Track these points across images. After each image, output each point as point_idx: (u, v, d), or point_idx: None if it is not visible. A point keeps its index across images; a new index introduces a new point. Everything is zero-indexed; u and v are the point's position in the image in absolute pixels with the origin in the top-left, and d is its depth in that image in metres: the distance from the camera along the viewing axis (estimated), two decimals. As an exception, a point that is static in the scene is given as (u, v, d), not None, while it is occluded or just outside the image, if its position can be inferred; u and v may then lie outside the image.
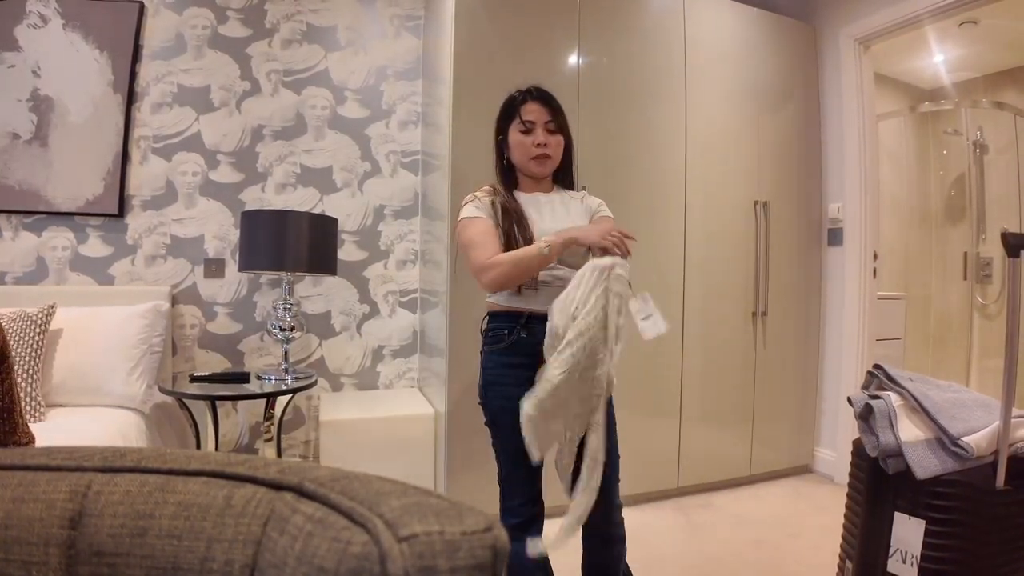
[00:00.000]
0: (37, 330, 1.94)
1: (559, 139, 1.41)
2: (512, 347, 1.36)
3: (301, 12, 2.71)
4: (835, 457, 2.87)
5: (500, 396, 1.36)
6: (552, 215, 1.41)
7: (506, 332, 1.36)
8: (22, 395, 1.79)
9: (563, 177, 1.51)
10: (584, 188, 1.56)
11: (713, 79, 2.70)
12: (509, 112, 1.42)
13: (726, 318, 2.72)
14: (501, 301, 1.38)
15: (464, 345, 2.19)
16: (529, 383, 1.35)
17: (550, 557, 1.48)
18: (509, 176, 1.45)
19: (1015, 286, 1.33)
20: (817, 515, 2.44)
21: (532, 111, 1.39)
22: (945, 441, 1.37)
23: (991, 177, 3.74)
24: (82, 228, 2.44)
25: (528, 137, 1.38)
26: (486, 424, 1.42)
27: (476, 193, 1.41)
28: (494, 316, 1.40)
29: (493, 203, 1.38)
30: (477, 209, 1.37)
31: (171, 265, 2.55)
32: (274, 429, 2.26)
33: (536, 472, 1.40)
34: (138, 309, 2.23)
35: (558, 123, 1.41)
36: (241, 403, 2.58)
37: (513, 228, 1.33)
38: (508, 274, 1.27)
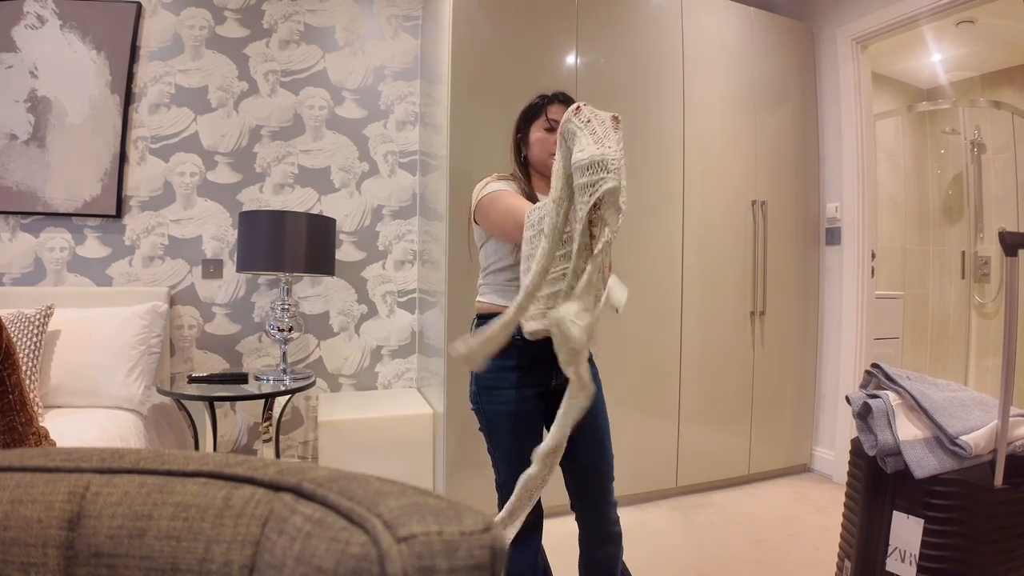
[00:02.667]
0: (35, 331, 1.94)
1: None
2: (507, 350, 1.34)
3: (299, 12, 2.71)
4: (834, 456, 2.87)
5: (496, 400, 1.35)
6: None
7: None
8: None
9: None
10: None
11: (711, 79, 2.70)
12: (535, 111, 1.43)
13: (724, 317, 2.72)
14: (494, 301, 1.37)
15: (463, 345, 2.19)
16: (525, 386, 1.35)
17: (549, 558, 1.48)
18: (525, 176, 1.46)
19: (1013, 285, 1.34)
20: (816, 514, 2.45)
21: (558, 111, 1.40)
22: (943, 440, 1.37)
23: (989, 176, 3.75)
24: (80, 229, 2.44)
25: (551, 135, 1.39)
26: (480, 430, 1.41)
27: (495, 175, 1.42)
28: (484, 318, 1.38)
29: (519, 188, 1.40)
30: (504, 183, 1.38)
31: (169, 266, 2.54)
32: (272, 430, 2.26)
33: None
34: (136, 310, 2.23)
35: None
36: (239, 404, 2.58)
37: None
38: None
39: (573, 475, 1.41)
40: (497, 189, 1.36)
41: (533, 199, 1.38)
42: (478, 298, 1.42)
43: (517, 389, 1.34)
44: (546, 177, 1.44)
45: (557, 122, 1.39)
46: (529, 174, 1.46)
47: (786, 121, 2.92)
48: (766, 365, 2.83)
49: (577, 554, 1.45)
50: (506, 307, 1.35)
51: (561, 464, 1.43)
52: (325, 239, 2.38)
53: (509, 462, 1.37)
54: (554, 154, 1.38)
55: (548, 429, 1.43)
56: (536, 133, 1.42)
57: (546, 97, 1.43)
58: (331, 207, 2.74)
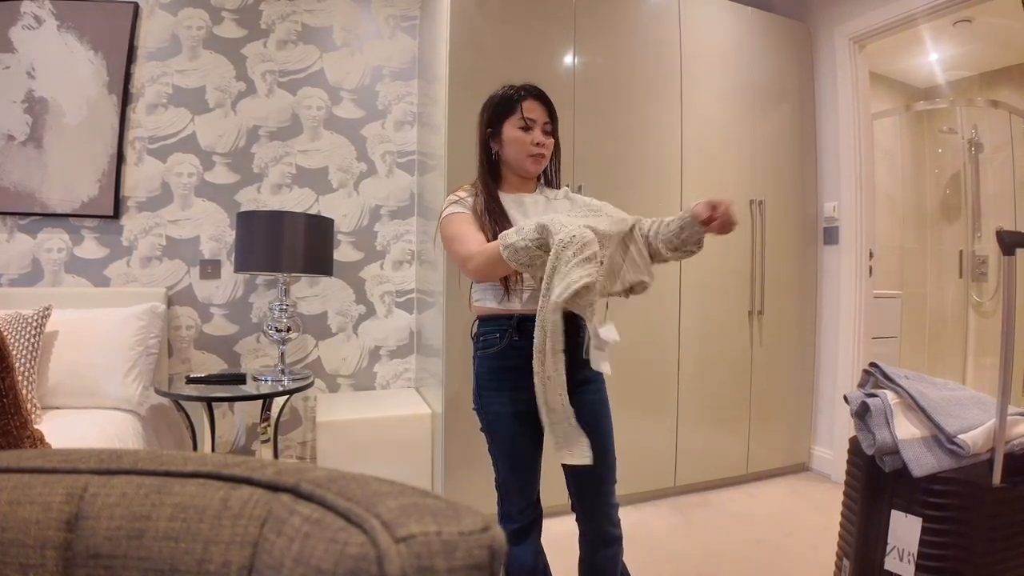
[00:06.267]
0: (33, 332, 1.94)
1: (552, 142, 1.41)
2: (505, 351, 1.33)
3: (296, 12, 2.71)
4: (832, 455, 2.88)
5: (497, 401, 1.34)
6: (537, 215, 1.40)
7: (498, 336, 1.34)
8: (18, 397, 1.78)
9: (549, 177, 1.50)
10: (567, 186, 1.54)
11: (708, 78, 2.70)
12: (507, 107, 1.38)
13: (722, 317, 2.72)
14: (490, 304, 1.36)
15: (461, 345, 2.19)
16: (526, 388, 1.35)
17: (548, 560, 1.48)
18: (495, 173, 1.42)
19: (1010, 284, 1.34)
20: (814, 513, 2.45)
21: (533, 109, 1.37)
22: (941, 439, 1.38)
23: (986, 175, 3.75)
24: (77, 230, 2.43)
25: (527, 135, 1.36)
26: (482, 430, 1.41)
27: (459, 193, 1.38)
28: (484, 320, 1.38)
29: (476, 202, 1.36)
30: (459, 205, 1.35)
31: (167, 266, 2.54)
32: (271, 430, 2.26)
33: (535, 476, 1.39)
34: (134, 311, 2.22)
35: (554, 127, 1.40)
36: (238, 404, 2.58)
37: (496, 229, 1.31)
38: (481, 267, 1.25)
39: (574, 476, 1.40)
40: (450, 212, 1.35)
41: (500, 207, 1.36)
42: (474, 302, 1.40)
43: (516, 390, 1.33)
44: (520, 177, 1.43)
45: (533, 121, 1.36)
46: (500, 176, 1.43)
47: (784, 120, 2.93)
48: (764, 364, 2.84)
49: (576, 554, 1.45)
50: (501, 309, 1.35)
51: (563, 465, 1.43)
52: (323, 239, 2.37)
53: (509, 462, 1.37)
54: (532, 156, 1.37)
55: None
56: (511, 132, 1.37)
57: (514, 89, 1.39)
58: (329, 207, 2.74)
